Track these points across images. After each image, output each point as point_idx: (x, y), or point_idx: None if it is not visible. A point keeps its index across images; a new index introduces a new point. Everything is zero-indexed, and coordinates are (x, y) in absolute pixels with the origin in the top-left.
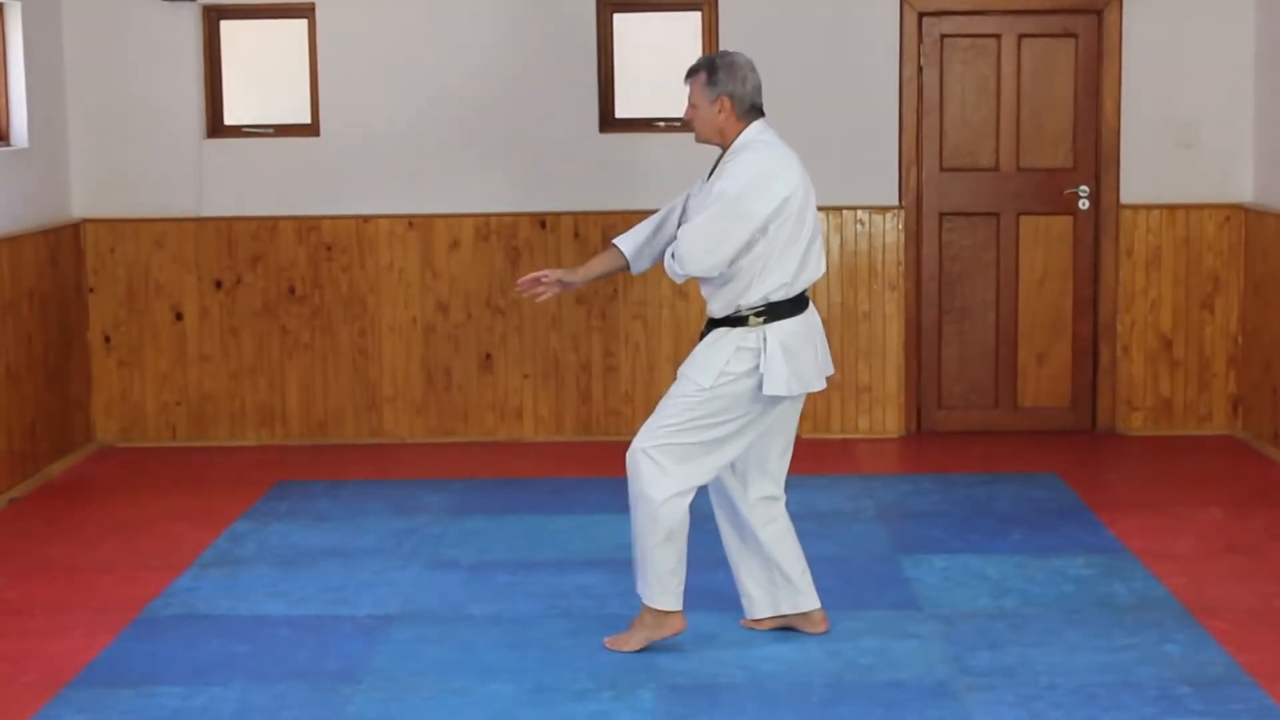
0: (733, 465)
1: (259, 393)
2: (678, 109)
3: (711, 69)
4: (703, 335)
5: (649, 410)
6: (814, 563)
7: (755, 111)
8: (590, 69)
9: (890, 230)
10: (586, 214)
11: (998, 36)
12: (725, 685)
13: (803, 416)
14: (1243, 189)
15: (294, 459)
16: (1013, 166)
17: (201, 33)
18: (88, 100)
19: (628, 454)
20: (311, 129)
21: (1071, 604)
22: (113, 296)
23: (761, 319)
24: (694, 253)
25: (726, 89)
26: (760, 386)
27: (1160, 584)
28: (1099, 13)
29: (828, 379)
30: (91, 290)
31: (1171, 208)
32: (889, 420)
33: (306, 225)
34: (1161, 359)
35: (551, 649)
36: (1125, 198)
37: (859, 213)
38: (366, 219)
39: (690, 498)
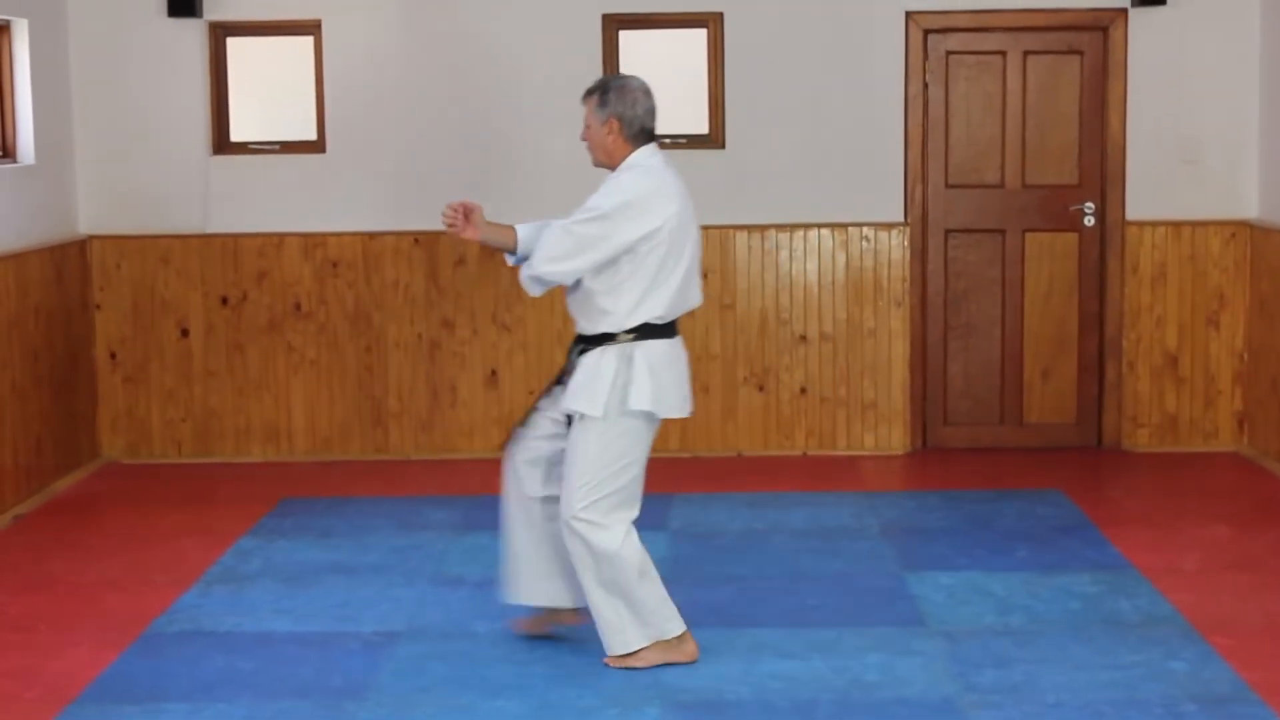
0: (543, 461)
1: (264, 409)
2: (683, 126)
3: (603, 91)
4: (570, 352)
5: None
6: (819, 579)
7: (645, 136)
8: None
9: (896, 247)
10: None
11: (1003, 53)
12: (731, 702)
13: (808, 432)
14: (1248, 205)
15: (299, 475)
16: (1018, 183)
17: (208, 49)
18: (94, 117)
19: (563, 526)
20: (317, 145)
21: (1077, 621)
22: (119, 313)
23: (631, 336)
24: (543, 256)
25: (616, 111)
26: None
27: (1166, 601)
28: (1104, 30)
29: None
30: (98, 306)
31: (1177, 224)
32: (894, 437)
33: (312, 242)
34: (1167, 375)
35: (557, 666)
36: (1130, 214)
37: (864, 229)
38: (372, 235)
39: (634, 529)
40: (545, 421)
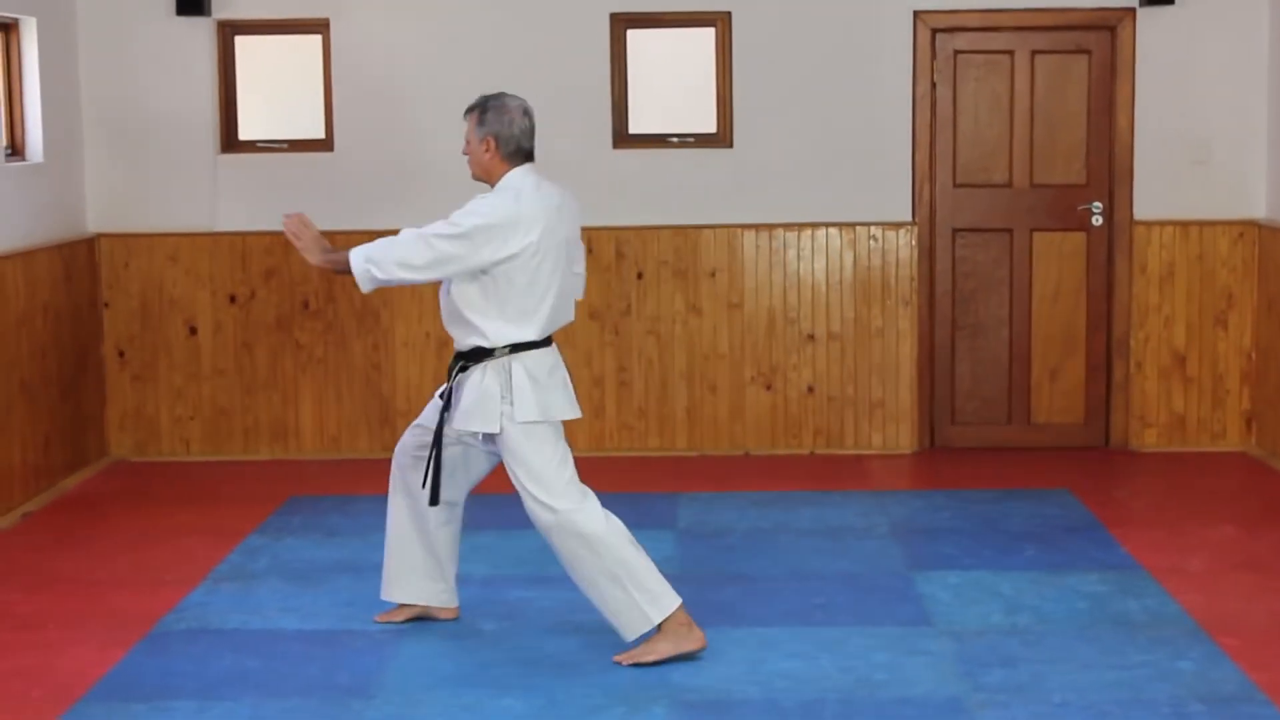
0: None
1: (272, 407)
2: (691, 125)
3: (483, 110)
4: (450, 370)
5: (661, 426)
6: (826, 578)
7: (522, 155)
8: (604, 85)
9: (904, 246)
10: (600, 230)
11: (1011, 53)
12: (738, 701)
13: (815, 431)
14: (1256, 205)
15: (307, 473)
16: (1026, 182)
17: (216, 48)
18: (103, 115)
19: (555, 533)
20: (325, 144)
21: (1084, 621)
22: (127, 311)
23: (507, 350)
24: (396, 260)
25: (493, 129)
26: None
27: (1174, 601)
28: (1112, 29)
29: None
30: (106, 304)
31: (1185, 224)
32: (902, 436)
33: None
34: (1175, 375)
35: (563, 664)
36: (1139, 214)
37: (872, 228)
38: (380, 234)
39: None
40: (427, 435)
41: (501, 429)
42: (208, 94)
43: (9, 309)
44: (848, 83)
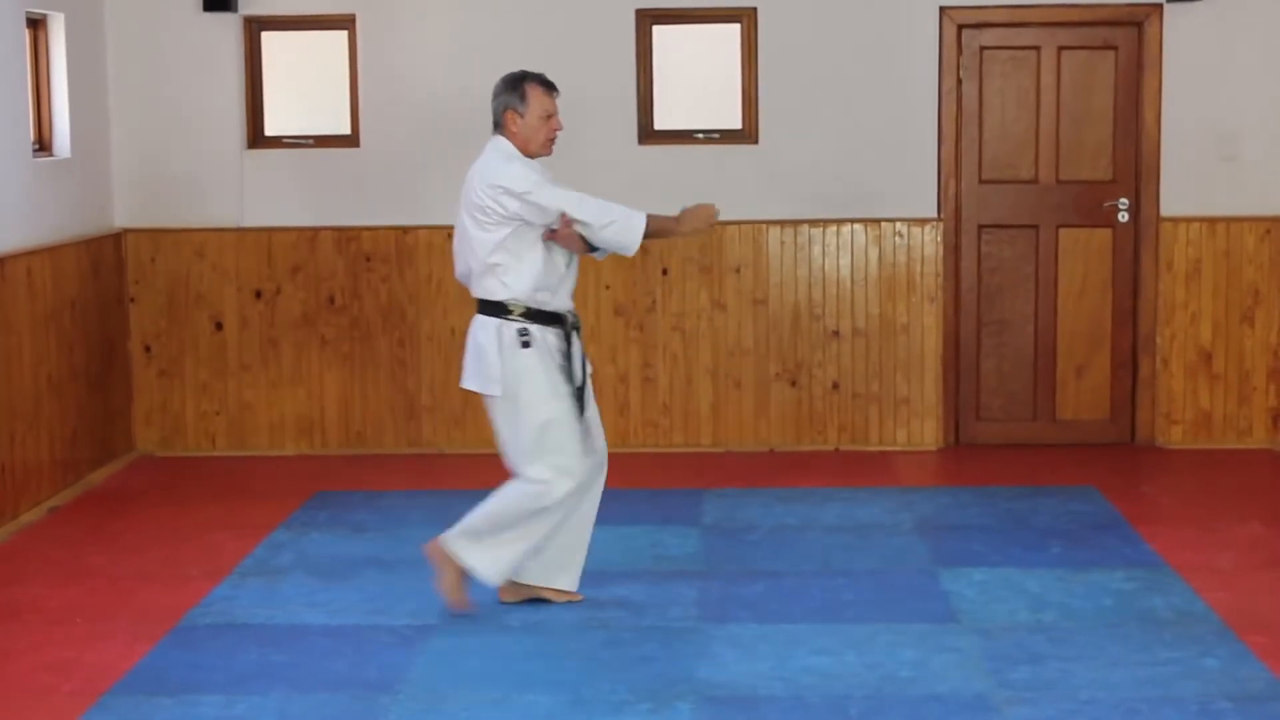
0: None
1: (298, 402)
2: (717, 121)
3: None
4: (573, 332)
5: (686, 422)
6: (852, 575)
7: None
8: (629, 81)
9: (929, 242)
10: None
11: (1037, 49)
12: (764, 697)
13: (840, 428)
14: None
15: (333, 469)
16: (1052, 179)
17: (243, 44)
18: (130, 110)
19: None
20: (351, 140)
21: (1111, 618)
22: (153, 306)
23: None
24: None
25: None
26: None
27: (1200, 598)
28: (1139, 25)
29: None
30: (132, 300)
31: (1212, 220)
32: (927, 432)
33: (346, 236)
34: (1201, 372)
35: (589, 660)
36: (1165, 210)
37: (898, 225)
38: (406, 230)
39: None
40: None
41: None
42: (234, 90)
43: (37, 304)
44: (873, 78)
